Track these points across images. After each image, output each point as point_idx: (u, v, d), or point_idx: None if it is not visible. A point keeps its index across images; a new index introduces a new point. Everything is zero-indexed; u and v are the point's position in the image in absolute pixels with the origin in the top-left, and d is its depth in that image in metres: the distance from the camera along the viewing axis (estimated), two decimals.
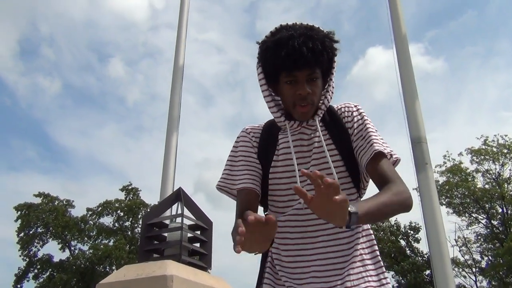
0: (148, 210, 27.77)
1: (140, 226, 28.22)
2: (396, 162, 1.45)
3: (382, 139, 1.45)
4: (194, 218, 4.22)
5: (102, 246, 27.51)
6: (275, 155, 1.49)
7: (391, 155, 1.43)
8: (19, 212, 27.37)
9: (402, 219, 27.13)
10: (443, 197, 24.97)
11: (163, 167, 5.74)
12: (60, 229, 27.30)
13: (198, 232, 4.22)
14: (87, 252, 27.57)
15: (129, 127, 50.66)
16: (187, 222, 4.14)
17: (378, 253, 1.47)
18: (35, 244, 27.73)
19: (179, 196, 4.28)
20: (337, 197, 1.00)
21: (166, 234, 4.12)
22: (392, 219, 26.99)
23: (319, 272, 1.37)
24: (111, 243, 28.05)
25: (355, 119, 1.49)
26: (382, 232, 26.54)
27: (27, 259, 27.33)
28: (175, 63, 6.39)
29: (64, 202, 28.75)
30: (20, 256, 27.25)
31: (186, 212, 4.23)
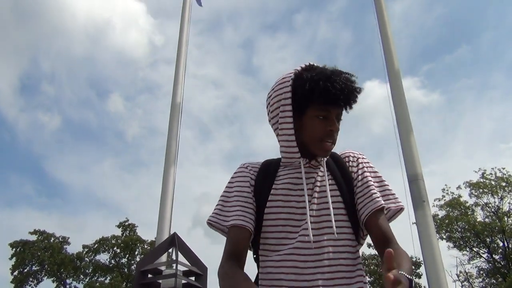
0: (145, 246, 27.41)
1: (136, 262, 27.83)
2: (400, 210, 1.43)
3: (387, 185, 1.45)
4: (189, 264, 4.16)
5: (98, 284, 26.97)
6: (273, 189, 1.43)
7: (396, 202, 1.42)
8: (14, 250, 26.98)
9: None
10: (443, 231, 24.75)
11: (161, 202, 5.70)
12: (55, 266, 26.83)
13: (193, 278, 4.16)
14: None
15: (126, 161, 50.65)
16: (181, 268, 4.08)
17: None
18: (29, 282, 27.19)
19: (174, 241, 4.22)
20: None
21: (160, 281, 4.05)
22: None
23: None
24: (107, 281, 27.52)
25: (360, 166, 1.47)
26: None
27: None
28: (173, 99, 6.46)
29: (60, 239, 28.37)
30: None
31: (181, 257, 4.17)
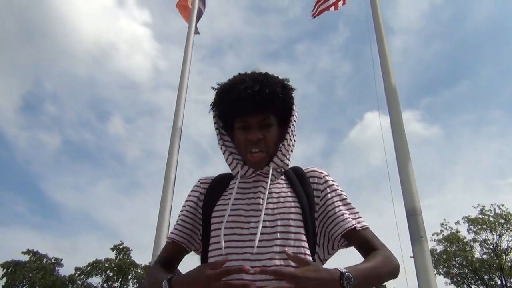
0: (139, 270, 26.99)
1: (129, 287, 27.37)
2: (366, 230, 1.39)
3: (353, 208, 1.41)
4: None
5: None
6: (221, 199, 1.39)
7: (360, 226, 1.36)
8: (5, 270, 26.58)
9: (399, 286, 26.39)
10: (441, 267, 24.45)
11: (157, 227, 5.65)
12: None
13: None
14: None
15: (124, 183, 50.58)
16: None
17: None
18: None
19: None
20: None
21: None
22: (390, 287, 26.26)
23: None
24: None
25: (326, 185, 1.42)
26: None
27: None
28: (174, 123, 6.47)
29: (53, 261, 27.99)
30: None
31: None
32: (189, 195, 1.51)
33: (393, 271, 1.28)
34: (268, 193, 1.36)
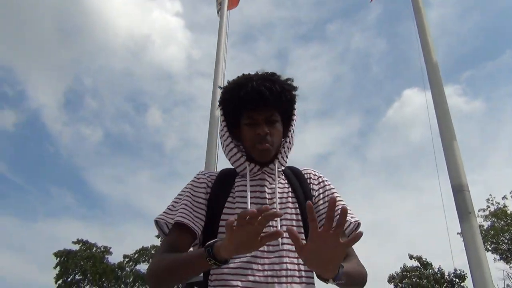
0: None
1: None
2: (358, 226, 1.44)
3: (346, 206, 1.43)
4: None
5: None
6: (229, 197, 1.40)
7: (353, 221, 1.43)
8: (58, 259, 27.79)
9: (446, 266, 25.94)
10: (489, 243, 23.81)
11: None
12: (97, 276, 27.46)
13: None
14: None
15: (162, 173, 51.54)
16: None
17: None
18: None
19: None
20: (343, 241, 0.99)
21: None
22: (436, 266, 25.88)
23: None
24: None
25: (321, 184, 1.50)
26: (425, 280, 25.37)
27: None
28: (212, 112, 6.54)
29: (102, 249, 29.05)
30: None
31: None
32: (192, 184, 1.46)
33: (364, 281, 1.33)
34: (273, 192, 1.41)
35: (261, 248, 1.24)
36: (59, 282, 27.53)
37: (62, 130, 48.48)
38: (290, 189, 1.45)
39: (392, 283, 26.74)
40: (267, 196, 1.40)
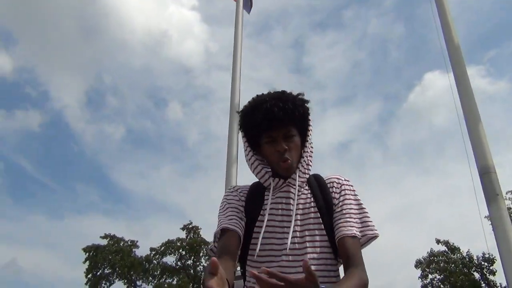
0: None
1: (201, 264, 28.44)
2: (374, 237, 1.50)
3: (366, 213, 1.52)
4: None
5: (166, 285, 27.85)
6: (261, 211, 1.51)
7: (371, 229, 1.49)
8: (87, 254, 28.41)
9: (474, 250, 25.57)
10: None
11: None
12: (126, 269, 28.01)
13: None
14: None
15: (184, 166, 51.97)
16: None
17: None
18: (102, 285, 28.52)
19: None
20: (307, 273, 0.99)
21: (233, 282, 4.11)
22: (464, 250, 25.55)
23: None
24: (174, 282, 28.34)
25: (342, 193, 1.55)
26: (453, 265, 25.09)
27: None
28: (232, 102, 6.55)
29: (129, 243, 29.58)
30: None
31: None
32: (228, 199, 1.58)
33: None
34: (296, 204, 1.51)
35: (286, 258, 1.41)
36: (89, 276, 28.19)
37: (85, 129, 49.34)
38: (312, 199, 1.54)
39: (419, 268, 26.54)
40: (291, 208, 1.50)
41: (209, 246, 1.57)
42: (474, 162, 3.83)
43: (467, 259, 25.24)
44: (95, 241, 29.32)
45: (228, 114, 6.71)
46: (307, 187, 1.57)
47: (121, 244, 29.02)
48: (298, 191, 1.54)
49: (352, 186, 1.59)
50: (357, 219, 1.50)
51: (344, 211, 1.50)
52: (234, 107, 6.51)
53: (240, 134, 1.62)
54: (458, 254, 25.60)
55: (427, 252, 26.73)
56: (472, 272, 24.93)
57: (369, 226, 1.50)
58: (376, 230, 1.51)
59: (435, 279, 26.14)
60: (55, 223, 48.00)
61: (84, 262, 28.33)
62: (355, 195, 1.57)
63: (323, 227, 1.47)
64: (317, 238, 1.46)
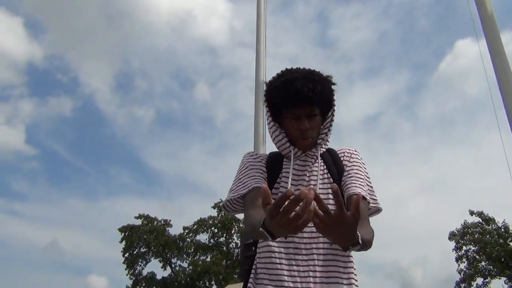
0: (240, 224, 28.34)
1: (233, 241, 28.91)
2: (376, 210, 1.62)
3: (371, 186, 1.62)
4: None
5: (200, 262, 28.46)
6: (279, 178, 1.59)
7: (374, 202, 1.59)
8: (123, 234, 29.24)
9: (510, 220, 25.04)
10: None
11: None
12: (160, 248, 28.72)
13: None
14: (187, 269, 28.68)
15: (213, 145, 52.37)
16: None
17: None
18: (139, 263, 29.38)
19: None
20: (353, 209, 1.06)
21: None
22: (500, 220, 25.10)
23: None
24: (208, 259, 28.93)
25: (352, 160, 1.66)
26: (488, 236, 24.69)
27: (134, 278, 29.01)
28: (257, 79, 6.53)
29: (162, 222, 30.23)
30: (127, 275, 29.06)
31: None
32: (250, 161, 1.66)
33: (372, 242, 1.43)
34: (309, 172, 1.59)
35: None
36: (126, 255, 29.07)
37: (116, 112, 50.20)
38: (326, 169, 1.62)
39: (453, 240, 26.22)
40: (306, 178, 1.58)
41: (224, 202, 1.64)
42: (506, 131, 3.71)
43: (502, 230, 24.76)
44: (130, 221, 30.11)
45: (253, 92, 6.69)
46: (321, 159, 1.64)
47: (154, 224, 29.70)
48: (314, 162, 1.62)
49: (361, 158, 1.69)
50: (366, 186, 1.59)
51: (355, 174, 1.60)
52: (259, 84, 6.48)
53: (264, 106, 1.66)
54: (493, 225, 25.14)
55: (461, 224, 26.35)
56: (508, 242, 24.47)
57: (374, 198, 1.60)
58: (379, 204, 1.61)
59: (470, 250, 25.82)
60: (91, 205, 49.42)
61: (121, 241, 29.21)
62: (365, 167, 1.67)
63: None
64: (331, 207, 1.43)
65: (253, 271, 1.54)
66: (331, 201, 1.46)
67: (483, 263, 25.25)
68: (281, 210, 0.97)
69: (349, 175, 1.60)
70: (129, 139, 51.65)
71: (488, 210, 25.68)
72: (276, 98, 1.58)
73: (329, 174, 1.60)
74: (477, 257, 25.47)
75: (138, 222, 29.65)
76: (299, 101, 1.52)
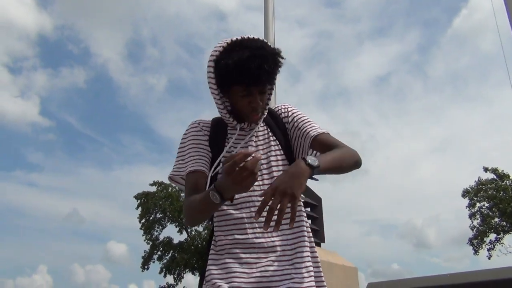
0: None
1: None
2: (322, 134, 1.64)
3: (316, 124, 1.67)
4: (303, 196, 4.25)
5: None
6: (226, 144, 1.62)
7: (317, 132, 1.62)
8: (139, 201, 29.76)
9: None
10: None
11: None
12: (176, 213, 29.23)
13: (308, 209, 4.24)
14: (203, 233, 29.24)
15: None
16: None
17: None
18: (156, 228, 30.03)
19: None
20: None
21: None
22: None
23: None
24: None
25: (291, 113, 1.73)
26: (502, 192, 24.65)
27: (151, 243, 29.75)
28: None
29: (177, 188, 30.62)
30: (144, 240, 29.79)
31: None
32: (191, 133, 1.67)
33: (357, 162, 1.55)
34: (256, 137, 1.66)
35: (257, 183, 1.52)
36: (143, 221, 29.68)
37: (129, 82, 50.16)
38: (268, 130, 1.68)
39: (467, 197, 26.23)
40: (253, 144, 1.64)
41: (170, 174, 1.66)
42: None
43: None
44: (145, 188, 30.58)
45: None
46: (264, 124, 1.70)
47: (169, 190, 30.12)
48: (258, 129, 1.68)
49: (294, 107, 1.76)
50: (312, 124, 1.68)
51: (303, 121, 1.68)
52: (279, 49, 6.36)
53: (211, 72, 1.58)
54: (508, 181, 25.04)
55: (475, 181, 26.30)
56: None
57: (317, 128, 1.65)
58: (323, 130, 1.65)
59: (483, 207, 25.85)
60: (106, 174, 50.31)
61: (137, 208, 29.77)
62: (299, 112, 1.74)
63: (282, 154, 1.63)
64: (280, 163, 1.61)
65: (213, 242, 1.58)
66: (279, 158, 1.62)
67: (496, 219, 25.33)
68: (238, 167, 1.14)
69: (297, 127, 1.67)
70: (141, 107, 51.78)
71: (503, 167, 25.56)
72: (227, 76, 1.52)
73: (274, 137, 1.66)
74: (490, 213, 25.53)
75: (153, 189, 30.14)
76: (253, 81, 1.50)
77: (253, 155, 1.16)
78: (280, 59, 1.56)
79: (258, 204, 1.48)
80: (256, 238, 1.50)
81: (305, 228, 1.58)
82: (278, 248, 1.50)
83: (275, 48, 1.58)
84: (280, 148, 1.64)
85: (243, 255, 1.48)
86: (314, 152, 1.64)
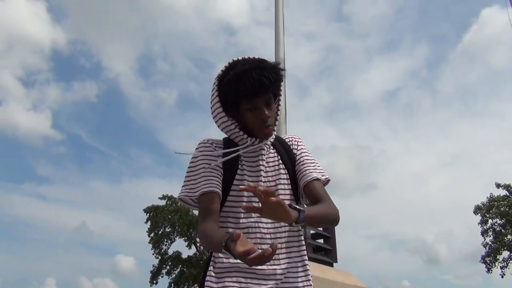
0: None
1: None
2: (327, 181, 1.69)
3: (318, 165, 1.71)
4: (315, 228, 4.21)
5: None
6: (239, 169, 1.62)
7: (324, 177, 1.68)
8: (148, 214, 29.73)
9: None
10: None
11: None
12: (185, 227, 29.14)
13: (321, 229, 4.19)
14: None
15: None
16: (310, 231, 4.13)
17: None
18: (164, 242, 29.93)
19: None
20: (272, 198, 1.22)
21: None
22: None
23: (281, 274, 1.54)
24: None
25: (299, 148, 1.75)
26: None
27: (159, 257, 29.63)
28: (276, 57, 6.43)
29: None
30: (153, 254, 29.67)
31: None
32: (201, 152, 1.65)
33: (335, 218, 1.58)
34: (266, 162, 1.67)
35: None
36: (152, 235, 29.61)
37: (140, 96, 50.64)
38: (279, 157, 1.70)
39: (479, 214, 25.85)
40: (262, 169, 1.65)
41: (180, 195, 1.65)
42: None
43: None
44: (153, 201, 30.59)
45: None
46: (272, 147, 1.72)
47: (178, 204, 30.07)
48: (267, 150, 1.70)
49: (303, 142, 1.80)
50: (315, 166, 1.71)
51: (304, 162, 1.69)
52: (278, 60, 6.37)
53: (215, 95, 1.64)
54: None
55: (487, 197, 25.94)
56: None
57: (322, 171, 1.70)
58: (326, 175, 1.70)
59: (496, 223, 25.45)
60: (115, 187, 50.44)
61: (146, 222, 29.72)
62: (306, 149, 1.77)
63: (289, 181, 1.66)
64: (287, 191, 1.64)
65: (212, 263, 1.60)
66: (286, 186, 1.65)
67: (509, 237, 24.91)
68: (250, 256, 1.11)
69: (302, 163, 1.70)
70: (150, 121, 52.15)
71: None
72: (232, 91, 1.56)
73: (283, 165, 1.68)
74: (503, 230, 25.11)
75: (162, 202, 30.11)
76: (258, 91, 1.53)
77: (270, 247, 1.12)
78: (280, 71, 1.60)
79: (263, 231, 1.54)
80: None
81: (306, 258, 1.63)
82: (279, 276, 1.52)
83: (275, 61, 1.63)
84: (288, 178, 1.67)
85: (243, 280, 1.50)
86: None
